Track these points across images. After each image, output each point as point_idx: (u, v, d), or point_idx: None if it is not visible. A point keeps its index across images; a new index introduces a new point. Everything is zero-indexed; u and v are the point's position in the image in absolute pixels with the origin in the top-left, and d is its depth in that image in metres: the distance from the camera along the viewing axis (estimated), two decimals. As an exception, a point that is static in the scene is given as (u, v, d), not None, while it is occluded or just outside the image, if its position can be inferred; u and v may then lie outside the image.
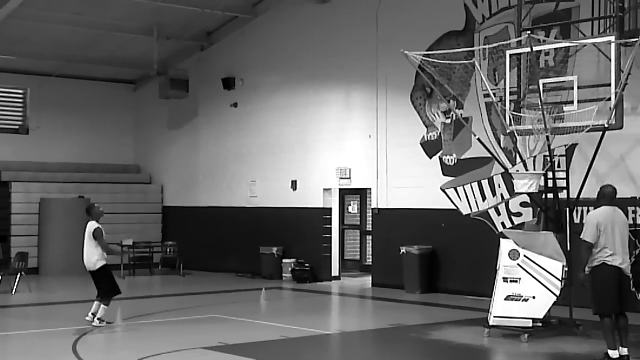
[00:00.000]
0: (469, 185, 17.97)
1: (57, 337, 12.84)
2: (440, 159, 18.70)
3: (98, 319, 13.58)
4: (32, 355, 11.47)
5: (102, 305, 13.62)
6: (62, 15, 21.63)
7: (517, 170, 14.47)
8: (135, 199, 25.49)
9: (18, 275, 18.65)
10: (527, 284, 12.70)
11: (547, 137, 13.03)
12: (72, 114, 25.54)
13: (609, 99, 12.81)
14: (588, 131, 13.01)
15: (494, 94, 15.39)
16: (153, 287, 21.39)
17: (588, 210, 15.35)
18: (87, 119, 25.81)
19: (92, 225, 13.70)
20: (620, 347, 10.45)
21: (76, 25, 22.21)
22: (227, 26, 23.78)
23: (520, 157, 14.32)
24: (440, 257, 18.57)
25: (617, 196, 10.81)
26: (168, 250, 23.95)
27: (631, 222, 14.82)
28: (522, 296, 12.69)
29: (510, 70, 14.32)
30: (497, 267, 13.06)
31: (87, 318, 13.59)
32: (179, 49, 24.57)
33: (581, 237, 10.51)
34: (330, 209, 21.51)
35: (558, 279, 12.54)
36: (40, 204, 23.59)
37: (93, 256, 13.62)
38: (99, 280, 13.71)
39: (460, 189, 18.16)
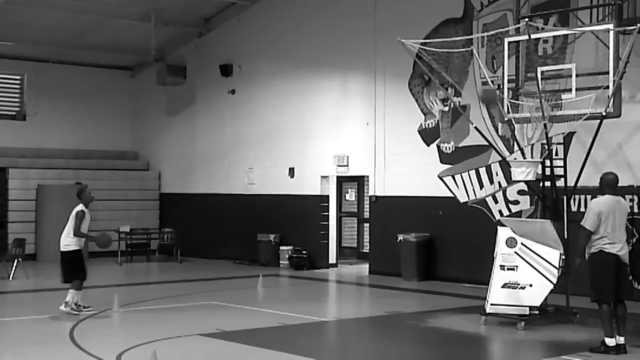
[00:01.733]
0: (466, 173, 17.97)
1: (54, 323, 12.86)
2: (438, 146, 18.69)
3: (75, 304, 13.49)
4: (30, 342, 11.47)
5: (70, 291, 13.49)
6: (60, 2, 21.56)
7: (515, 158, 14.48)
8: (133, 186, 25.50)
9: (15, 262, 18.66)
10: (524, 272, 12.71)
11: (545, 125, 13.03)
12: (70, 100, 25.49)
13: (607, 87, 12.80)
14: (586, 119, 13.00)
15: (492, 81, 15.37)
16: (150, 274, 21.39)
17: (586, 199, 15.41)
18: (85, 106, 25.77)
19: (77, 207, 13.65)
20: (617, 336, 10.48)
21: (74, 12, 22.15)
22: (225, 13, 23.72)
23: (518, 145, 14.33)
24: (437, 244, 18.58)
25: (615, 185, 10.84)
26: (165, 237, 23.94)
27: (629, 210, 14.86)
28: (519, 284, 12.70)
29: (508, 58, 14.28)
30: (495, 255, 13.07)
31: (61, 308, 13.50)
32: (176, 36, 24.51)
33: (582, 223, 10.51)
34: (328, 196, 21.52)
35: (555, 267, 12.54)
36: (38, 191, 23.58)
37: (66, 239, 13.58)
38: (68, 263, 13.62)
39: (458, 176, 18.15)
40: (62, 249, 13.64)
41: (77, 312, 13.37)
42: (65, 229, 13.64)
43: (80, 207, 13.63)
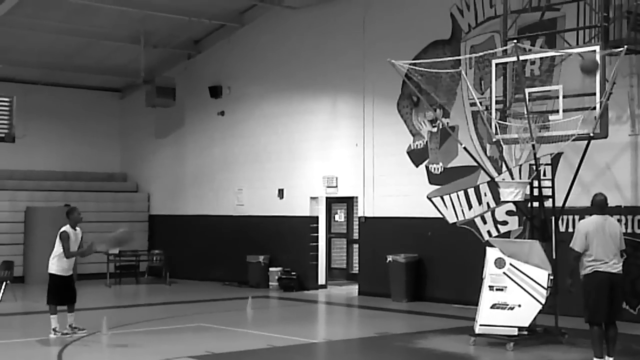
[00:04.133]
0: (455, 193, 18.02)
1: (42, 346, 12.79)
2: (427, 167, 18.74)
3: (70, 326, 13.46)
4: (17, 365, 11.43)
5: (51, 317, 13.50)
6: (49, 23, 21.60)
7: (503, 179, 14.54)
8: (122, 208, 25.43)
9: (4, 284, 18.57)
10: (513, 293, 12.73)
11: (533, 146, 13.09)
12: (59, 122, 25.48)
13: (594, 108, 12.89)
14: (573, 140, 13.08)
15: (480, 102, 15.46)
16: (139, 296, 21.33)
17: (574, 219, 15.47)
18: (74, 127, 25.76)
19: (62, 228, 13.64)
20: (606, 357, 10.50)
21: (63, 33, 22.19)
22: (214, 35, 23.80)
23: (507, 165, 14.39)
24: (426, 265, 18.60)
25: (602, 205, 10.88)
26: (154, 259, 23.89)
27: (620, 228, 14.90)
28: (508, 305, 12.72)
29: (496, 80, 14.37)
30: (483, 276, 13.09)
31: (65, 331, 13.51)
32: (165, 57, 24.57)
33: (571, 246, 10.54)
34: (317, 217, 21.52)
35: (544, 288, 12.57)
36: (26, 213, 23.52)
37: (52, 260, 13.60)
38: (48, 284, 13.67)
39: (446, 197, 18.20)
40: (49, 271, 13.68)
41: (70, 334, 13.35)
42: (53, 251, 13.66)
43: (65, 227, 13.61)
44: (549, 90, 14.42)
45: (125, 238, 14.12)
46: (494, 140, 14.11)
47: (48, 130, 25.30)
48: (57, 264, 13.54)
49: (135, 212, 25.77)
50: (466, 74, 16.42)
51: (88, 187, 25.43)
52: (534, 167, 13.47)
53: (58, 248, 13.52)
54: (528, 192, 13.52)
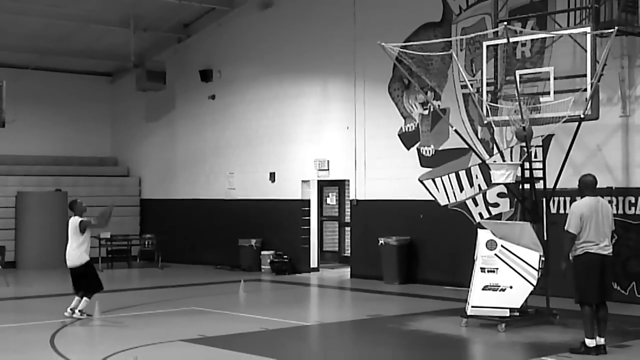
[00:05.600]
0: (446, 176, 17.97)
1: (34, 330, 12.79)
2: (418, 150, 18.75)
3: (79, 311, 13.56)
4: (10, 350, 11.40)
5: (84, 299, 13.60)
6: (39, 8, 21.49)
7: (495, 161, 14.54)
8: (113, 192, 25.34)
9: (-5, 269, 18.57)
10: (504, 274, 12.77)
11: (524, 127, 13.09)
12: (49, 106, 25.38)
13: (585, 89, 12.89)
14: (564, 122, 13.09)
15: (471, 85, 15.45)
16: (131, 280, 21.33)
17: (565, 201, 15.51)
18: (64, 112, 25.66)
19: (75, 220, 13.69)
20: (597, 337, 10.55)
21: (52, 18, 22.07)
22: (205, 18, 23.71)
23: (498, 147, 14.39)
24: (418, 248, 18.64)
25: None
26: (146, 243, 23.88)
27: (612, 210, 14.95)
28: (499, 286, 12.76)
29: (487, 62, 14.36)
30: (475, 258, 13.12)
31: (65, 313, 13.56)
32: (156, 41, 24.47)
33: (565, 228, 10.55)
34: (309, 200, 21.53)
35: (535, 269, 12.61)
36: (17, 198, 23.45)
37: (77, 252, 13.62)
38: (83, 276, 13.69)
39: (438, 180, 18.11)
40: (76, 263, 13.70)
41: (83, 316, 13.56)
42: (70, 244, 13.69)
43: (79, 218, 13.72)
44: (540, 72, 14.43)
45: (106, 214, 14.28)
46: (485, 122, 14.11)
47: (38, 114, 25.19)
48: (86, 251, 13.72)
49: (127, 196, 25.72)
50: (457, 56, 16.41)
51: (79, 172, 25.37)
52: (525, 149, 13.48)
53: (77, 238, 13.62)
54: (519, 174, 13.53)
